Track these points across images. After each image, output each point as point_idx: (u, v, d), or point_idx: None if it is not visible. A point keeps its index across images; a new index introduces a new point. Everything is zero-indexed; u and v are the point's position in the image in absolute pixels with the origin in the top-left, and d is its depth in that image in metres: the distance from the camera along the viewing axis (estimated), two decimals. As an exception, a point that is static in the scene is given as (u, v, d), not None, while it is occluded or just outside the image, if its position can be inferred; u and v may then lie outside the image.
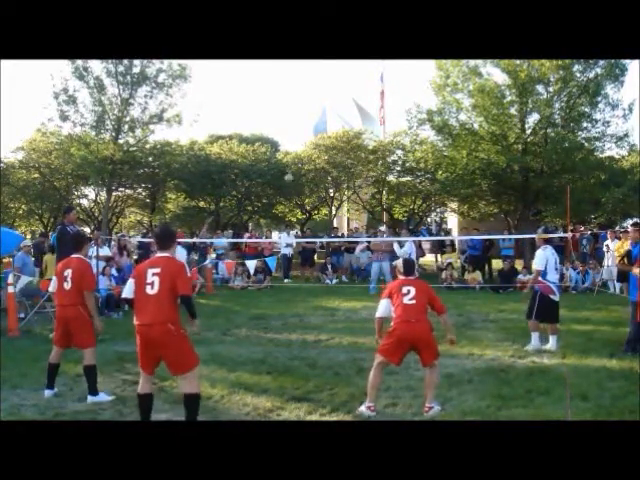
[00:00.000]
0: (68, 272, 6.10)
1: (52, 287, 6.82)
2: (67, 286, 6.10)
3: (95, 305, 6.25)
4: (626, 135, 17.99)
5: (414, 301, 5.66)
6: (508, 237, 17.53)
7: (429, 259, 23.53)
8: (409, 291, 5.73)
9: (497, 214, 21.93)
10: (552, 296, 8.26)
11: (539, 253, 8.41)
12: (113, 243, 15.42)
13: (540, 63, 16.88)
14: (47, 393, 6.09)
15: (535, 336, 8.22)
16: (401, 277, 5.98)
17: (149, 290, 4.82)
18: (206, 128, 60.27)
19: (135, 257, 15.69)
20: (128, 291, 5.02)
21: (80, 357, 7.69)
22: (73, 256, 6.28)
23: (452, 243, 19.89)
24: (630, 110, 17.65)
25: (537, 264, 8.41)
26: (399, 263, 6.16)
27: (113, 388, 6.33)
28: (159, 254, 5.09)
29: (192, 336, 5.04)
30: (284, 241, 19.06)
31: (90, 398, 5.96)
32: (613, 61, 16.80)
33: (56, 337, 6.25)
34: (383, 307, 5.92)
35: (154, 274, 4.84)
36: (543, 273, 8.28)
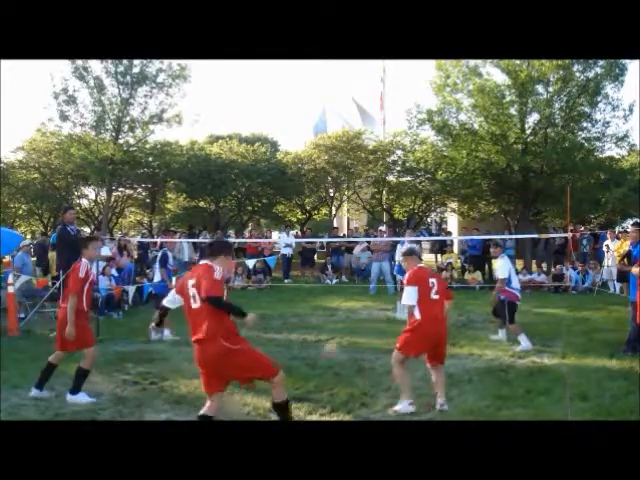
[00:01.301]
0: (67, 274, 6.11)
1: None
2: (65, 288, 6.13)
3: (73, 310, 5.88)
4: (626, 135, 18.01)
5: (438, 296, 5.55)
6: (508, 237, 17.53)
7: (429, 259, 23.53)
8: (434, 284, 5.56)
9: (497, 214, 21.93)
10: (517, 302, 8.56)
11: (500, 262, 8.62)
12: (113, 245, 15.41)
13: (540, 63, 16.88)
14: (34, 392, 5.97)
15: (523, 337, 8.27)
16: (418, 265, 5.73)
17: (193, 304, 4.55)
18: (206, 128, 60.30)
19: (135, 257, 15.71)
20: (170, 301, 4.86)
21: (80, 357, 7.71)
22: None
23: (451, 243, 19.90)
24: (630, 111, 17.67)
25: (501, 273, 8.56)
26: (415, 249, 5.94)
27: (113, 388, 6.32)
28: (201, 261, 4.85)
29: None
30: (284, 241, 19.07)
31: (70, 397, 5.87)
32: (613, 61, 16.80)
33: (57, 341, 6.17)
34: (412, 295, 5.53)
35: (192, 285, 4.56)
36: (508, 281, 8.47)
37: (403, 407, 5.48)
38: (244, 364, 4.53)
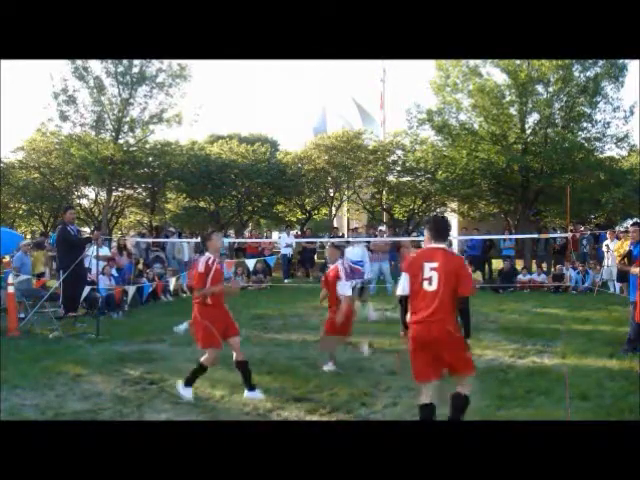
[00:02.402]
0: None
1: None
2: None
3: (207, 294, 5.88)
4: (626, 136, 18.01)
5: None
6: (508, 237, 17.54)
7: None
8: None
9: (497, 214, 21.93)
10: None
11: None
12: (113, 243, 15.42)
13: (540, 63, 16.89)
14: (183, 392, 5.92)
15: None
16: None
17: (427, 286, 4.45)
18: (206, 128, 60.30)
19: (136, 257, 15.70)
20: (404, 288, 4.61)
21: (80, 357, 7.72)
22: None
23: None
24: (631, 112, 17.69)
25: None
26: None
27: (113, 388, 6.32)
28: (434, 245, 4.60)
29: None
30: (284, 241, 19.07)
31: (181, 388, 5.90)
32: (612, 61, 16.81)
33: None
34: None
35: (432, 269, 4.44)
36: None
37: None
38: (459, 351, 4.51)
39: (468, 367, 4.61)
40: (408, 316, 4.67)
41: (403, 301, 4.71)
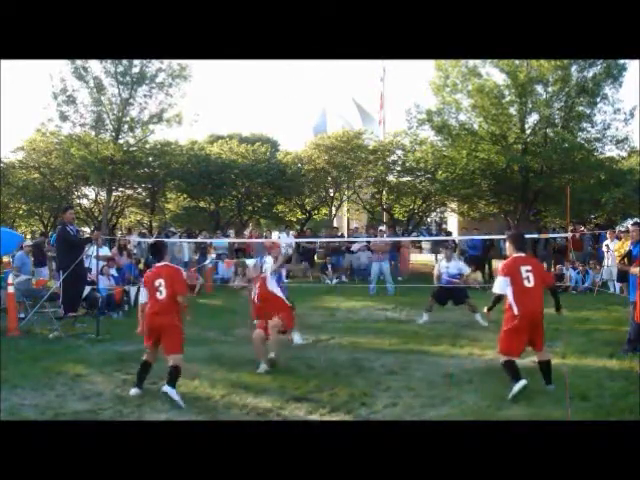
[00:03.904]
0: None
1: None
2: None
3: None
4: (626, 138, 18.02)
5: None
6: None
7: (429, 259, 23.50)
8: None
9: (497, 214, 21.93)
10: None
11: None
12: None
13: (539, 63, 16.90)
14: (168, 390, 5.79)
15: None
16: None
17: (527, 284, 5.82)
18: (206, 128, 60.29)
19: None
20: (502, 287, 5.91)
21: (80, 357, 7.72)
22: None
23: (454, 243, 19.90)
24: (632, 115, 17.70)
25: None
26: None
27: (113, 388, 6.32)
28: (517, 254, 6.03)
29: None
30: (283, 241, 19.05)
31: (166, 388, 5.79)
32: (611, 61, 16.81)
33: None
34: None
35: (528, 270, 5.85)
36: None
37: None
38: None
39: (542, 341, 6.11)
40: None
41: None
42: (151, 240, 7.25)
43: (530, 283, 5.88)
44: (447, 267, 10.99)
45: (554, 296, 6.23)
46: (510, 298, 5.89)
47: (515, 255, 6.08)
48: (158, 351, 6.12)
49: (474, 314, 10.39)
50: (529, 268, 5.94)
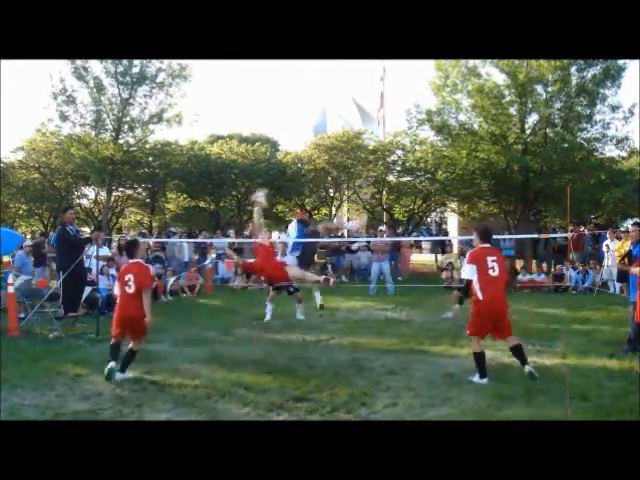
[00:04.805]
0: None
1: None
2: None
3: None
4: (626, 138, 18.01)
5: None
6: (508, 237, 17.54)
7: (429, 259, 23.52)
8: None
9: (497, 214, 21.93)
10: None
11: None
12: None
13: (538, 64, 16.90)
14: (120, 375, 6.51)
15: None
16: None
17: (491, 273, 6.30)
18: (206, 128, 60.27)
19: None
20: (469, 273, 6.37)
21: (80, 357, 7.72)
22: None
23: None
24: (631, 113, 17.68)
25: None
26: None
27: (113, 388, 6.32)
28: (483, 245, 6.53)
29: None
30: (284, 241, 19.02)
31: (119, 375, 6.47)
32: (610, 62, 16.82)
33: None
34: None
35: (494, 261, 6.36)
36: None
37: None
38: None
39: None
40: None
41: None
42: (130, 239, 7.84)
43: (495, 272, 6.35)
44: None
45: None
46: (476, 285, 6.35)
47: (481, 245, 6.59)
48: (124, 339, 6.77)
49: None
50: (494, 259, 6.43)
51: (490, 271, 6.35)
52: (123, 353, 6.69)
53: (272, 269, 10.03)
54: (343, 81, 70.36)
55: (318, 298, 9.73)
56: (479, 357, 6.46)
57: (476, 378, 6.39)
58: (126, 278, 6.59)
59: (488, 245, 6.66)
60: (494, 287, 6.36)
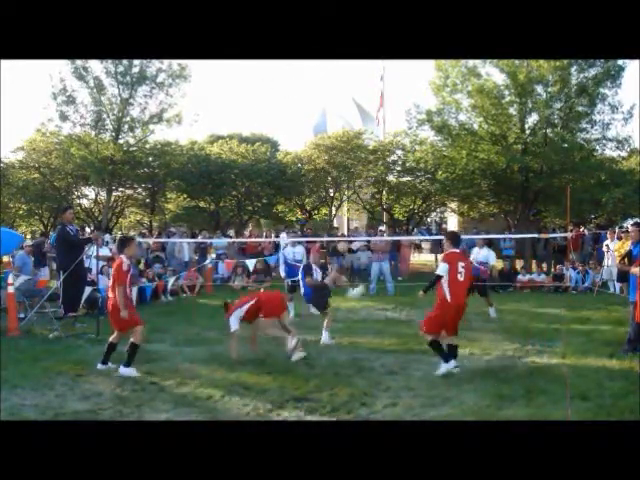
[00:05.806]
0: None
1: None
2: None
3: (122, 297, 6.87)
4: (626, 139, 18.02)
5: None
6: (508, 237, 17.53)
7: (429, 259, 23.51)
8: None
9: (497, 214, 21.93)
10: None
11: None
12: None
13: (538, 64, 16.90)
14: (100, 367, 7.00)
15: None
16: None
17: (459, 277, 6.67)
18: (206, 128, 60.28)
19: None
20: (444, 271, 6.65)
21: (80, 357, 7.72)
22: None
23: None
24: (631, 114, 17.69)
25: None
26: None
27: (113, 388, 6.32)
28: (453, 249, 6.92)
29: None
30: (284, 241, 19.04)
31: (122, 369, 6.82)
32: (610, 62, 16.82)
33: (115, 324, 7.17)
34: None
35: (463, 267, 6.74)
36: None
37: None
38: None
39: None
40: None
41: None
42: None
43: (462, 277, 6.77)
44: (478, 253, 12.14)
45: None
46: (444, 285, 6.68)
47: (452, 250, 6.97)
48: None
49: (489, 307, 11.13)
50: (464, 264, 6.87)
51: (459, 275, 6.74)
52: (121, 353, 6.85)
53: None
54: (343, 81, 70.46)
55: (325, 337, 8.93)
56: (434, 344, 6.76)
57: (443, 368, 6.61)
58: (110, 272, 7.43)
59: (458, 250, 7.06)
60: (461, 291, 6.76)
